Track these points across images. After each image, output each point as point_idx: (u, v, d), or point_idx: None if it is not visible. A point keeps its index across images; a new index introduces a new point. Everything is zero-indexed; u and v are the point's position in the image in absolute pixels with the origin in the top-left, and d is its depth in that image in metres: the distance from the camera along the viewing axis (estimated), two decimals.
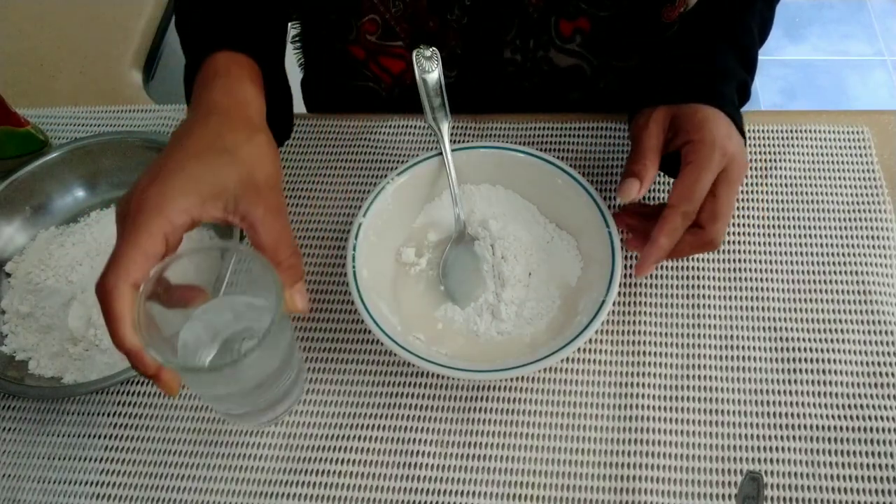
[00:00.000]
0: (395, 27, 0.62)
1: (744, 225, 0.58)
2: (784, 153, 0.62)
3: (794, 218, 0.58)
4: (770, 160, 0.61)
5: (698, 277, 0.56)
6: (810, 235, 0.57)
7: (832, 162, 0.61)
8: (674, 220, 0.48)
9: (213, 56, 0.48)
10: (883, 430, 0.49)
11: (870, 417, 0.49)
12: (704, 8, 0.57)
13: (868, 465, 0.47)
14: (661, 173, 0.57)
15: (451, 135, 0.65)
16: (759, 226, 0.58)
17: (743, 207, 0.59)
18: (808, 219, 0.58)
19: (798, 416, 0.49)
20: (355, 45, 0.65)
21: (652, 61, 0.57)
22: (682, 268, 0.56)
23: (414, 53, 0.54)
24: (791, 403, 0.50)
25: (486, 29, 0.61)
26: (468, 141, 0.64)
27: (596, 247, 0.52)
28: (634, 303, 0.55)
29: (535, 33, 0.61)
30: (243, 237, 0.56)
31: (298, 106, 0.88)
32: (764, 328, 0.53)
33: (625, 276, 0.56)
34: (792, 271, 0.55)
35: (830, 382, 0.51)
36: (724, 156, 0.49)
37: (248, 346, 0.41)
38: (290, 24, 0.71)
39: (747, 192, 0.60)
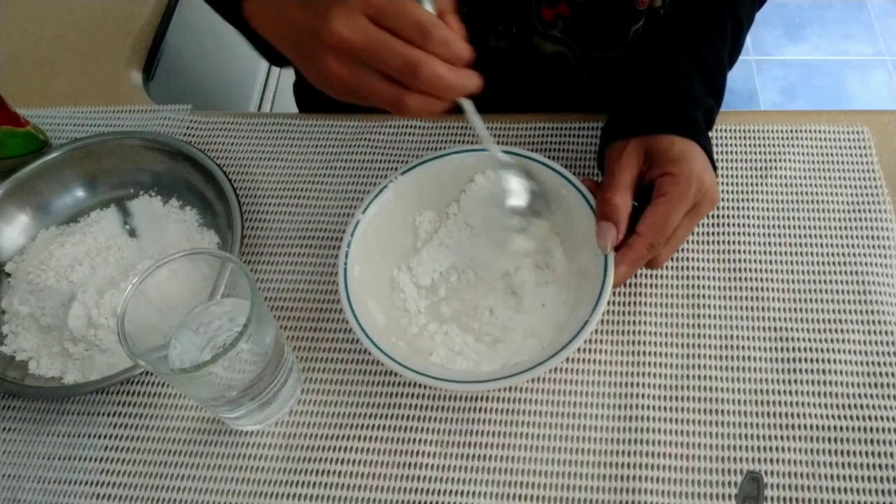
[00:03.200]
0: None
1: (744, 225, 0.58)
2: (784, 153, 0.62)
3: (794, 218, 0.58)
4: (770, 160, 0.61)
5: (698, 277, 0.56)
6: (810, 235, 0.57)
7: (832, 162, 0.61)
8: (639, 249, 0.48)
9: None
10: (883, 430, 0.49)
11: (870, 417, 0.49)
12: (671, 34, 0.57)
13: (868, 465, 0.47)
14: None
15: (452, 134, 0.65)
16: (759, 226, 0.58)
17: (743, 207, 0.59)
18: (808, 219, 0.58)
19: (798, 416, 0.49)
20: None
21: (621, 92, 0.57)
22: (683, 268, 0.56)
23: None
24: (791, 403, 0.50)
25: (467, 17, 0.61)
26: (470, 142, 0.64)
27: (593, 262, 0.51)
28: (634, 303, 0.55)
29: (518, 19, 0.61)
30: (244, 241, 0.56)
31: (291, 107, 0.88)
32: (764, 328, 0.53)
33: None
34: (792, 271, 0.55)
35: (830, 382, 0.51)
36: (699, 191, 0.49)
37: (227, 342, 0.41)
38: None
39: (747, 192, 0.60)
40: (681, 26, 0.58)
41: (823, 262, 0.56)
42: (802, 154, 0.61)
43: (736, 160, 0.61)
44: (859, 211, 0.58)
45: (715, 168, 0.52)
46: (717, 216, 0.59)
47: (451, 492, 0.48)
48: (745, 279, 0.55)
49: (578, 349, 0.53)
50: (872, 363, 0.51)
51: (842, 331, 0.53)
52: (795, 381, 0.51)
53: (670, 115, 0.52)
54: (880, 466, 0.47)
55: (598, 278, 0.49)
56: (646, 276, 0.56)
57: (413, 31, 0.41)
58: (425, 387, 0.52)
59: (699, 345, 0.53)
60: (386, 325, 0.51)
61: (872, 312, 0.53)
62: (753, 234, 0.57)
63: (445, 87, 0.42)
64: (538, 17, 0.61)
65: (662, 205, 0.48)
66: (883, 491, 0.47)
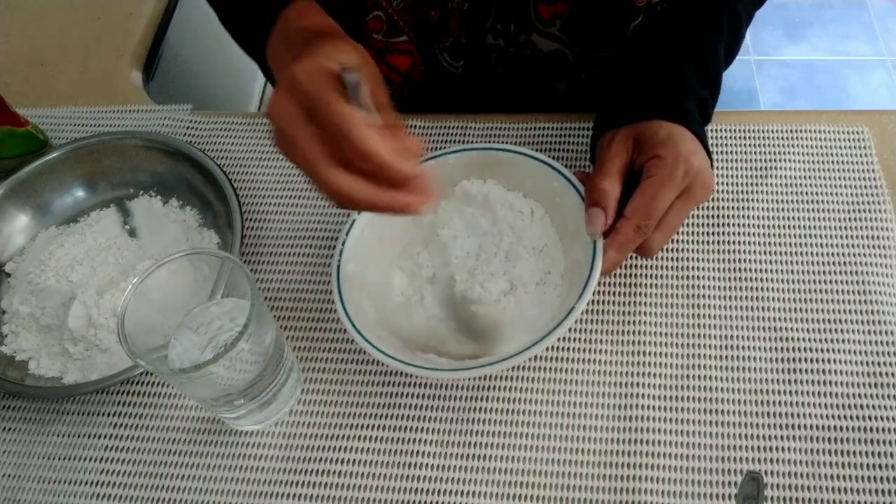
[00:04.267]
0: (398, 21, 0.62)
1: (744, 225, 0.58)
2: (784, 153, 0.62)
3: (794, 218, 0.58)
4: (770, 160, 0.61)
5: (698, 277, 0.56)
6: (810, 235, 0.57)
7: (832, 162, 0.61)
8: (626, 232, 0.48)
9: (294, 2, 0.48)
10: (883, 430, 0.49)
11: (870, 417, 0.49)
12: (666, 32, 0.57)
13: (868, 465, 0.47)
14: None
15: (451, 134, 0.65)
16: (759, 226, 0.58)
17: (743, 207, 0.59)
18: (808, 219, 0.58)
19: (798, 416, 0.49)
20: (364, 46, 0.65)
21: (613, 84, 0.57)
22: (683, 268, 0.56)
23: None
24: (791, 403, 0.50)
25: (468, 14, 0.61)
26: (469, 141, 0.64)
27: (585, 253, 0.50)
28: (634, 303, 0.55)
29: (516, 17, 0.61)
30: (244, 241, 0.56)
31: None
32: (764, 328, 0.53)
33: (624, 275, 0.56)
34: (792, 271, 0.55)
35: (830, 382, 0.51)
36: (687, 173, 0.48)
37: (228, 342, 0.42)
38: None
39: (747, 192, 0.60)
40: (677, 23, 0.58)
41: (823, 262, 0.56)
42: (802, 154, 0.61)
43: (736, 160, 0.61)
44: (859, 211, 0.58)
45: (710, 155, 0.51)
46: (717, 216, 0.59)
47: (451, 492, 0.48)
48: (745, 279, 0.55)
49: (578, 349, 0.53)
50: (872, 363, 0.51)
51: (842, 331, 0.53)
52: (795, 381, 0.51)
53: (659, 102, 0.52)
54: (880, 466, 0.47)
55: (587, 265, 0.49)
56: (646, 276, 0.56)
57: (333, 131, 0.38)
58: (425, 386, 0.52)
59: (699, 345, 0.52)
60: (378, 321, 0.51)
61: (872, 312, 0.53)
62: (753, 234, 0.57)
63: (347, 200, 0.39)
64: (536, 15, 0.61)
65: (649, 186, 0.48)
66: (883, 491, 0.47)
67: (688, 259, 0.57)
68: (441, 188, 0.42)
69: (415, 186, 0.39)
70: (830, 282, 0.55)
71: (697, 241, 0.57)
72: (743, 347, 0.52)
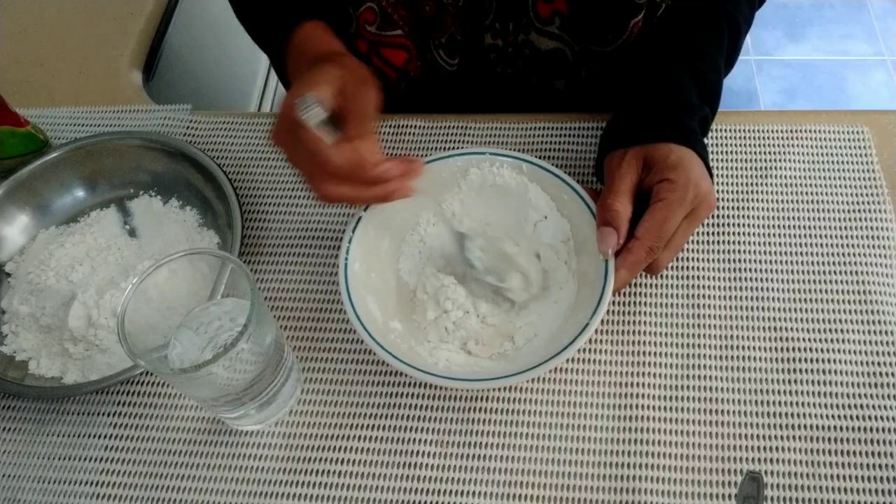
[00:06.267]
0: (392, 15, 0.62)
1: (744, 225, 0.58)
2: (784, 153, 0.62)
3: (794, 218, 0.58)
4: (770, 160, 0.61)
5: (698, 277, 0.56)
6: (810, 235, 0.57)
7: (832, 162, 0.61)
8: (638, 253, 0.49)
9: (300, 26, 0.55)
10: (883, 430, 0.49)
11: (870, 417, 0.49)
12: (667, 45, 0.58)
13: (868, 465, 0.47)
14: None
15: (452, 134, 0.65)
16: (759, 226, 0.58)
17: (743, 207, 0.59)
18: (808, 219, 0.58)
19: (798, 416, 0.49)
20: (357, 38, 0.65)
21: (618, 103, 0.57)
22: (683, 268, 0.56)
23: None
24: (791, 403, 0.50)
25: (465, 12, 0.61)
26: (470, 142, 0.64)
27: (593, 267, 0.51)
28: (634, 303, 0.55)
29: (514, 16, 0.61)
30: (244, 241, 0.56)
31: None
32: (764, 328, 0.53)
33: None
34: (792, 271, 0.55)
35: (830, 382, 0.51)
36: (696, 196, 0.50)
37: (228, 342, 0.41)
38: None
39: (747, 192, 0.60)
40: (676, 37, 0.58)
41: (823, 262, 0.56)
42: (802, 154, 0.61)
43: (736, 160, 0.61)
44: (859, 211, 0.58)
45: (711, 174, 0.52)
46: (718, 216, 0.59)
47: (451, 492, 0.48)
48: (745, 279, 0.55)
49: (578, 349, 0.53)
50: (872, 363, 0.51)
51: (842, 331, 0.53)
52: (795, 381, 0.51)
53: (667, 124, 0.52)
54: (880, 466, 0.47)
55: (598, 282, 0.49)
56: (646, 276, 0.56)
57: (306, 154, 0.47)
58: (425, 386, 0.52)
59: (699, 345, 0.52)
60: (384, 322, 0.51)
61: (872, 312, 0.53)
62: (753, 234, 0.57)
63: (336, 201, 0.49)
64: (535, 14, 0.61)
65: (660, 209, 0.49)
66: (883, 491, 0.47)
67: (688, 259, 0.57)
68: (421, 164, 0.51)
69: (392, 180, 0.49)
70: (830, 282, 0.55)
71: (697, 241, 0.57)
72: (743, 347, 0.52)
